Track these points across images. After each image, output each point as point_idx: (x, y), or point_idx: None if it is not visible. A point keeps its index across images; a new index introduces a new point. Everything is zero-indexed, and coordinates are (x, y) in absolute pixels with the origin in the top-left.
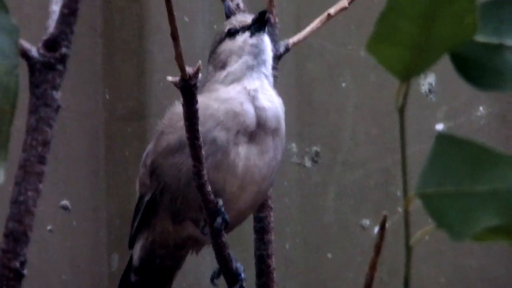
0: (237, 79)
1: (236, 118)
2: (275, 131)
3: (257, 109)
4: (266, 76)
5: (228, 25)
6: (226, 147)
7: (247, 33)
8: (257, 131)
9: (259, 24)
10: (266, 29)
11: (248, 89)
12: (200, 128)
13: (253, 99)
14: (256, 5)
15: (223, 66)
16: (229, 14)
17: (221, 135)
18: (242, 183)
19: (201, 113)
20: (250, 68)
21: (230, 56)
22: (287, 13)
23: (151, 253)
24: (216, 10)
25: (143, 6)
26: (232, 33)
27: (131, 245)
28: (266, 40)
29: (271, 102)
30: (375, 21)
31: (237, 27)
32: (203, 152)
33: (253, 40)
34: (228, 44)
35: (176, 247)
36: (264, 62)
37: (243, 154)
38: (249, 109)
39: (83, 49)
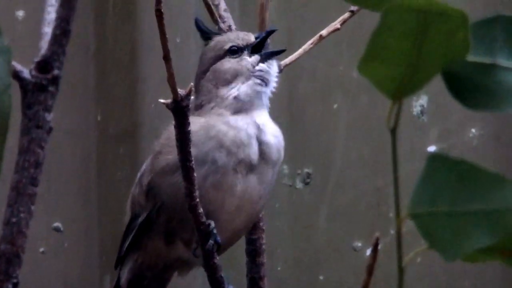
0: (245, 108)
1: (241, 148)
2: (275, 164)
3: (262, 143)
4: (267, 106)
5: (228, 42)
6: (226, 169)
7: (257, 56)
8: (259, 163)
9: (273, 51)
10: (277, 55)
11: (258, 123)
12: (202, 147)
13: (260, 133)
14: (247, 26)
15: (227, 85)
16: (203, 29)
17: (223, 157)
18: (240, 202)
19: (203, 133)
20: (259, 96)
21: (236, 76)
22: (279, 34)
23: (139, 275)
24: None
25: (135, 27)
26: (234, 51)
27: (117, 266)
28: (275, 66)
29: (276, 137)
30: (367, 41)
31: (240, 44)
32: (195, 174)
33: (264, 66)
34: (231, 62)
35: (164, 268)
36: (270, 90)
37: (242, 180)
38: (255, 144)
39: (75, 70)
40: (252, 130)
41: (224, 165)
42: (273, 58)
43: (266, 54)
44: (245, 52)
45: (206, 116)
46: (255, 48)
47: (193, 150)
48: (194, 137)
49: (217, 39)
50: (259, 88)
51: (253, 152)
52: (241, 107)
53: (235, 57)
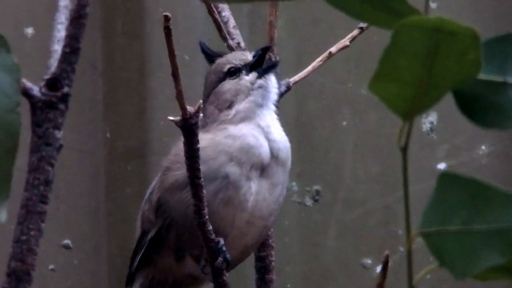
0: (247, 117)
1: (250, 152)
2: (285, 163)
3: (270, 141)
4: (273, 111)
5: (227, 64)
6: (238, 183)
7: (254, 73)
8: (270, 163)
9: (268, 66)
10: (274, 69)
11: (262, 126)
12: (212, 163)
13: (266, 133)
14: (256, 43)
15: (230, 106)
16: (208, 52)
17: (234, 170)
18: (251, 218)
19: (212, 149)
20: (260, 106)
21: (237, 95)
22: (288, 51)
23: None
24: (217, 48)
25: (144, 45)
26: (232, 72)
27: (128, 283)
28: (273, 80)
29: (281, 135)
30: (376, 59)
31: (238, 65)
32: (204, 191)
33: (262, 81)
34: (231, 83)
35: (174, 285)
36: (272, 101)
37: (254, 189)
38: (263, 142)
39: (84, 87)
40: (257, 131)
41: (235, 179)
42: (271, 72)
43: (262, 70)
44: (243, 72)
45: (211, 133)
46: (253, 67)
47: (202, 167)
48: (202, 154)
49: (217, 61)
50: (259, 101)
51: (264, 151)
52: (243, 118)
53: (234, 78)
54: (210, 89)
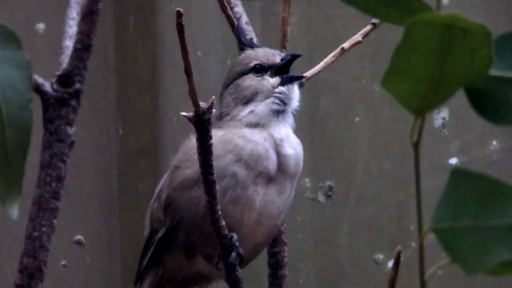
0: (262, 123)
1: (259, 161)
2: (293, 176)
3: (281, 156)
4: (290, 123)
5: (254, 60)
6: (246, 183)
7: (278, 79)
8: (277, 175)
9: (294, 76)
10: (298, 81)
11: (275, 138)
12: (220, 161)
13: (278, 145)
14: (269, 40)
15: (246, 102)
16: (243, 41)
17: (242, 171)
18: (259, 217)
19: (222, 147)
20: (276, 113)
21: (256, 94)
22: (301, 47)
23: None
24: (229, 44)
25: (156, 41)
26: (258, 69)
27: (137, 282)
28: (296, 91)
29: (294, 149)
30: (390, 56)
31: (265, 64)
32: (217, 187)
33: (284, 89)
34: (254, 80)
35: (184, 283)
36: (290, 112)
37: (262, 191)
38: (273, 155)
39: (96, 84)
40: (268, 143)
41: (243, 179)
42: (295, 82)
43: (287, 78)
44: (269, 72)
45: (223, 129)
46: (279, 70)
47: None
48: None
49: (247, 53)
50: (276, 107)
51: (271, 163)
52: (257, 122)
53: (258, 76)
54: (232, 79)
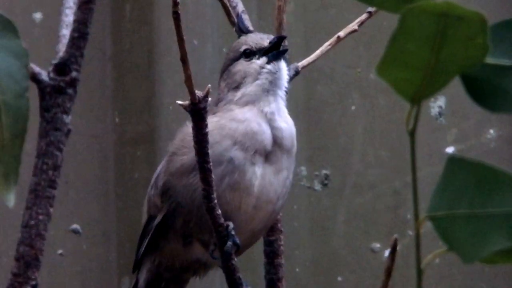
0: (252, 100)
1: (254, 138)
2: (289, 151)
3: (274, 129)
4: (282, 98)
5: (244, 45)
6: (243, 167)
7: (264, 58)
8: (273, 150)
9: (278, 51)
10: (284, 55)
11: (265, 112)
12: (217, 147)
13: (269, 120)
14: (265, 28)
15: (237, 86)
16: (242, 28)
17: (238, 154)
18: (257, 202)
19: (217, 133)
20: (266, 91)
21: (245, 77)
22: (296, 36)
23: (157, 276)
24: (225, 33)
25: (152, 30)
26: (247, 54)
27: (135, 269)
28: (283, 66)
29: (287, 123)
30: (385, 44)
31: (254, 48)
32: (213, 175)
33: (270, 67)
34: (243, 65)
35: (182, 270)
36: (280, 87)
37: (259, 173)
38: (267, 129)
39: (92, 72)
40: (260, 118)
41: (240, 164)
42: (279, 58)
43: (272, 56)
44: (257, 56)
45: (217, 115)
46: (267, 53)
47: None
48: (209, 137)
49: (239, 39)
50: (266, 86)
51: (266, 138)
52: (248, 101)
53: (247, 60)
54: (226, 66)
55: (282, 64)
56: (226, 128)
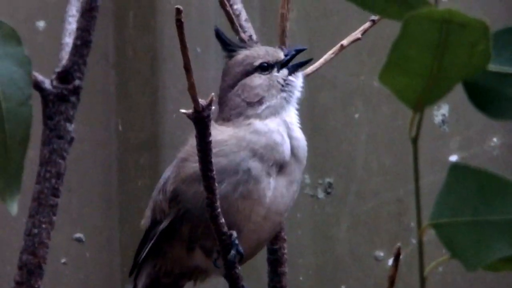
0: (276, 112)
1: (275, 149)
2: (302, 161)
3: (292, 139)
4: (296, 110)
5: (258, 59)
6: (259, 177)
7: (285, 70)
8: (290, 161)
9: (298, 63)
10: (303, 66)
11: (288, 122)
12: (233, 157)
13: (289, 130)
14: (268, 36)
15: (260, 100)
16: (232, 44)
17: (256, 165)
18: (267, 213)
19: (234, 144)
20: (287, 102)
21: (268, 91)
22: (299, 43)
23: (156, 282)
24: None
25: (155, 37)
26: (264, 68)
27: (132, 273)
28: (301, 77)
29: (300, 133)
30: (388, 51)
31: (270, 61)
32: (216, 184)
33: (292, 78)
34: (262, 79)
35: (180, 275)
36: (297, 98)
37: (273, 185)
38: (287, 140)
39: (96, 80)
40: (282, 128)
41: (257, 174)
42: (300, 69)
43: (293, 67)
44: (275, 68)
45: (234, 126)
46: (285, 65)
47: (223, 160)
48: (224, 147)
49: (244, 53)
50: (288, 98)
51: (287, 148)
52: (272, 113)
53: (265, 74)
54: (235, 80)
55: (300, 75)
56: (245, 139)
